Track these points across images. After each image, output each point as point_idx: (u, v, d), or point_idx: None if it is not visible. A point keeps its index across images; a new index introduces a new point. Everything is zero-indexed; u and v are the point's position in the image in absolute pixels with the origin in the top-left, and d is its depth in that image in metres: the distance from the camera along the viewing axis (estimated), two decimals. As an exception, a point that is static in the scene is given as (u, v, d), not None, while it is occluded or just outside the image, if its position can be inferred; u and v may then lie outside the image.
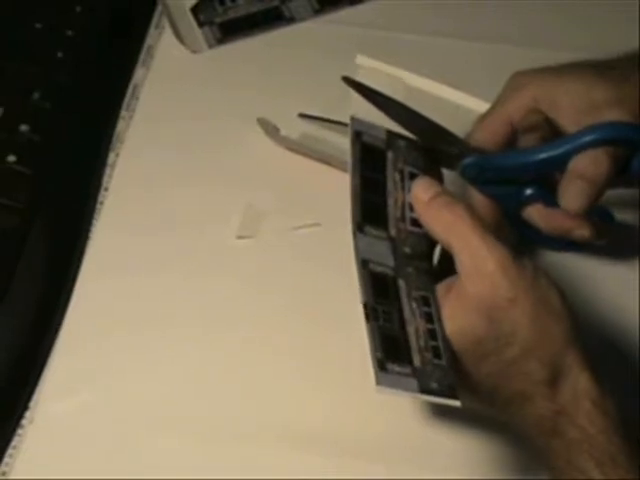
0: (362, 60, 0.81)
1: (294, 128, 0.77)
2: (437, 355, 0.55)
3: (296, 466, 0.63)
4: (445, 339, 0.55)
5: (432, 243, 0.60)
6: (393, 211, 0.60)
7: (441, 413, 0.65)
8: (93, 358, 0.67)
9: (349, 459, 0.64)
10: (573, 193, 0.63)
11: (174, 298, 0.70)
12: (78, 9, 0.82)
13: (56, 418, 0.65)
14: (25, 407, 0.66)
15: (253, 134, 0.77)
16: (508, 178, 0.66)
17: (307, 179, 0.75)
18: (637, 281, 0.71)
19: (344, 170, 0.74)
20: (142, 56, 0.82)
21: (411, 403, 0.65)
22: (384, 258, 0.58)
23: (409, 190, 0.61)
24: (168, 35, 0.83)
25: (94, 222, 0.74)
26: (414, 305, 0.56)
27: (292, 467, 0.63)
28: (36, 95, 0.77)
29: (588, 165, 0.63)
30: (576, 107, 0.65)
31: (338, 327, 0.67)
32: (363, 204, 0.60)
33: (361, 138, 0.62)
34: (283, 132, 0.77)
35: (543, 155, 0.65)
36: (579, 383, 0.55)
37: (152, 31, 0.84)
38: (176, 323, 0.69)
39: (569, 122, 0.66)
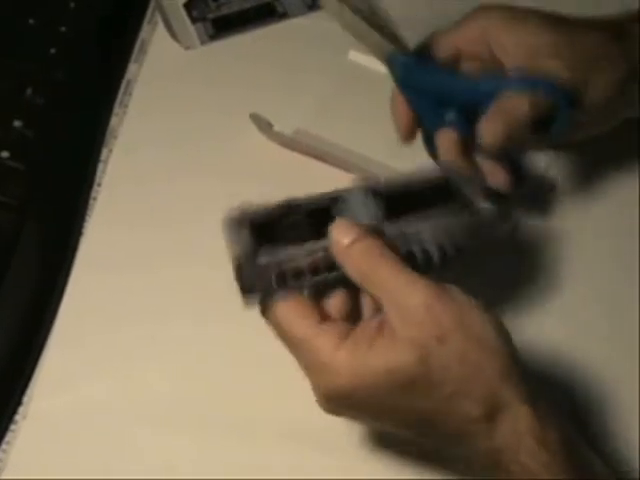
0: (355, 56, 0.81)
1: (287, 124, 0.77)
2: None
3: (299, 466, 0.64)
4: None
5: None
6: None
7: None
8: (87, 354, 0.68)
9: (351, 459, 0.64)
10: (492, 127, 0.64)
11: (168, 293, 0.70)
12: (72, 5, 0.82)
13: (49, 414, 0.66)
14: (18, 403, 0.66)
15: (246, 130, 0.77)
16: (429, 91, 0.67)
17: (300, 175, 0.75)
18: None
19: (337, 166, 0.74)
20: (135, 52, 0.82)
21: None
22: None
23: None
24: (161, 31, 0.83)
25: (87, 218, 0.74)
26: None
27: (294, 467, 0.64)
28: (29, 91, 0.77)
29: (512, 105, 0.64)
30: (519, 51, 0.66)
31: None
32: None
33: None
34: (276, 128, 0.77)
35: (464, 84, 0.66)
36: (519, 418, 0.53)
37: (145, 27, 0.84)
38: (170, 319, 0.69)
39: (509, 63, 0.66)
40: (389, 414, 0.55)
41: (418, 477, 0.63)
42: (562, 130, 0.66)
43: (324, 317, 0.56)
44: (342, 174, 0.74)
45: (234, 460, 0.64)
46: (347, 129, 0.77)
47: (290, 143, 0.76)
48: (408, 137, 0.69)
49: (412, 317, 0.53)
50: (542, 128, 0.66)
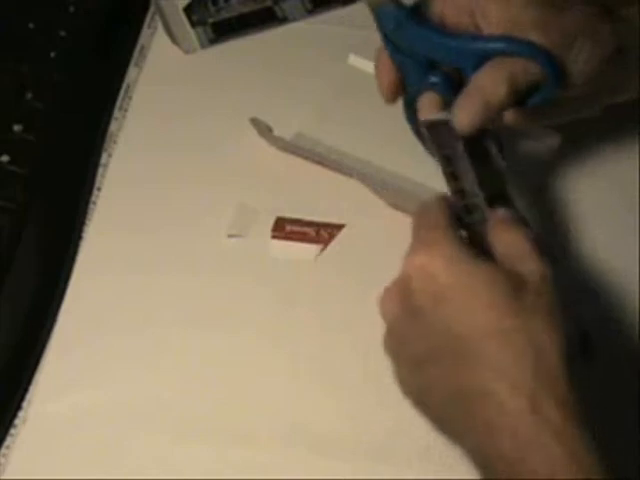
0: (354, 60, 0.81)
1: (287, 128, 0.77)
2: None
3: (303, 468, 0.63)
4: None
5: None
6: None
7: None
8: (86, 358, 0.67)
9: (355, 462, 0.64)
10: (468, 108, 0.63)
11: (167, 297, 0.70)
12: (71, 9, 0.82)
13: (49, 418, 0.65)
14: (18, 407, 0.66)
15: (246, 134, 0.77)
16: (416, 50, 0.65)
17: (300, 179, 0.75)
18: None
19: (337, 170, 0.74)
20: (135, 56, 0.82)
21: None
22: None
23: None
24: (161, 35, 0.83)
25: (87, 222, 0.74)
26: None
27: (297, 469, 0.63)
28: (29, 95, 0.77)
29: (488, 83, 0.63)
30: (503, 24, 0.64)
31: (329, 327, 0.68)
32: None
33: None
34: (276, 132, 0.77)
35: (454, 43, 0.64)
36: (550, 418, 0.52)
37: (145, 31, 0.84)
38: (170, 324, 0.69)
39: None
40: (447, 328, 0.55)
41: (422, 477, 0.63)
42: (542, 101, 0.65)
43: None
44: (342, 178, 0.74)
45: (235, 464, 0.64)
46: (347, 133, 0.77)
47: (290, 147, 0.76)
48: (392, 96, 0.68)
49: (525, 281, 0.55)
50: (520, 102, 0.65)
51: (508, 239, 0.58)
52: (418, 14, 0.66)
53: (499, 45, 0.63)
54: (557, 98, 0.66)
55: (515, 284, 0.55)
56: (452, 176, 0.62)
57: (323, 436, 0.65)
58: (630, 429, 0.64)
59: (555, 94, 0.65)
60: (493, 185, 0.62)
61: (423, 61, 0.65)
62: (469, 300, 0.55)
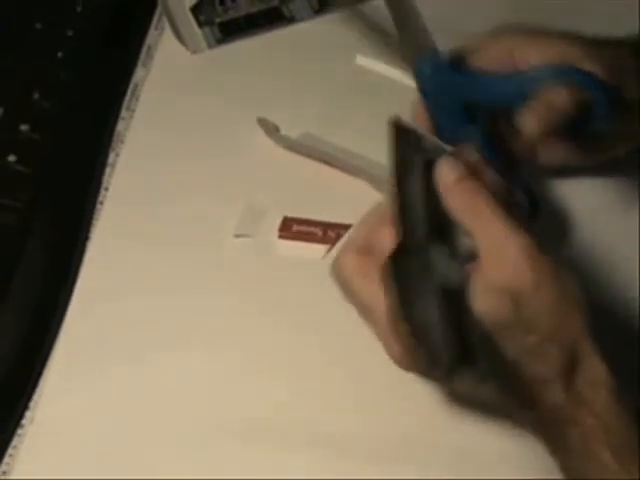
0: (362, 60, 0.81)
1: (294, 128, 0.77)
2: None
3: (308, 467, 0.63)
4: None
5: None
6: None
7: (458, 414, 0.65)
8: (93, 358, 0.68)
9: (365, 463, 0.64)
10: (533, 117, 0.64)
11: (174, 298, 0.70)
12: (78, 9, 0.82)
13: (56, 418, 0.66)
14: (25, 407, 0.66)
15: (253, 134, 0.77)
16: (455, 99, 0.66)
17: (307, 179, 0.75)
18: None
19: (344, 170, 0.74)
20: (142, 56, 0.82)
21: (427, 405, 0.65)
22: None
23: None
24: (168, 35, 0.83)
25: (94, 222, 0.74)
26: None
27: (301, 468, 0.64)
28: (36, 95, 0.77)
29: (552, 95, 0.64)
30: (548, 58, 0.65)
31: (336, 326, 0.68)
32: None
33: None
34: (283, 132, 0.77)
35: (495, 84, 0.65)
36: (596, 372, 0.55)
37: (152, 31, 0.84)
38: (176, 323, 0.69)
39: None
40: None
41: (429, 477, 0.63)
42: (598, 128, 0.65)
43: None
44: (349, 178, 0.74)
45: (238, 463, 0.64)
46: (354, 133, 0.77)
47: (297, 147, 0.76)
48: None
49: (509, 262, 0.55)
50: (575, 129, 0.65)
51: (481, 227, 0.56)
52: (455, 64, 0.67)
53: (546, 78, 0.64)
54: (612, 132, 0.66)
55: (511, 302, 0.55)
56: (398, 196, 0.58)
57: (334, 437, 0.65)
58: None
59: (607, 123, 0.65)
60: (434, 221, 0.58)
61: (458, 109, 0.66)
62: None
